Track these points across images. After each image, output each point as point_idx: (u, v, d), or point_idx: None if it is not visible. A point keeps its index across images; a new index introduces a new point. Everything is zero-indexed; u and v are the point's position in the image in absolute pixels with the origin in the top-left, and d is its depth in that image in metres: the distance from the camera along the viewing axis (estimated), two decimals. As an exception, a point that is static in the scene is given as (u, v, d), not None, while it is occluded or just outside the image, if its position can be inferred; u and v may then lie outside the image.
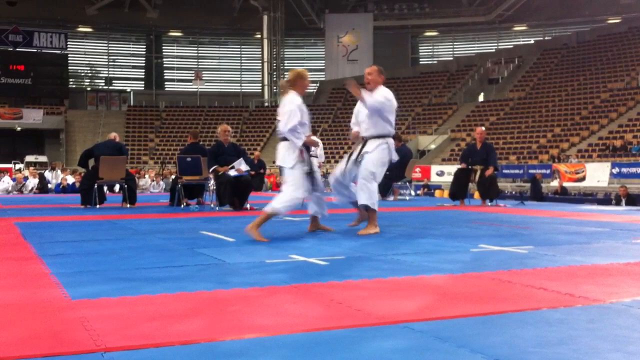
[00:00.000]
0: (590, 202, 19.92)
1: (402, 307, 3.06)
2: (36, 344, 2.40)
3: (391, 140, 6.68)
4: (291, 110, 6.17)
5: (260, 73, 52.59)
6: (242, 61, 55.66)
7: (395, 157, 6.77)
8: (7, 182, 21.16)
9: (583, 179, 27.60)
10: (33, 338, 2.49)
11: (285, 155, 6.26)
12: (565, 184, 25.99)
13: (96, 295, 3.29)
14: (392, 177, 14.22)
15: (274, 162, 35.55)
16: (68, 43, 49.09)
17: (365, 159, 6.54)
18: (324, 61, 54.28)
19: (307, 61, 55.70)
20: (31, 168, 28.46)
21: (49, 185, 21.98)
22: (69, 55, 50.18)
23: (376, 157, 6.54)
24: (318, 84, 53.57)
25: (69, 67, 50.64)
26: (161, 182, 22.11)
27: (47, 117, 46.81)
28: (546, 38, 49.88)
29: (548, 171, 28.96)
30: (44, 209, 11.39)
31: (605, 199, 21.49)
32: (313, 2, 51.87)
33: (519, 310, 2.99)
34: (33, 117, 46.05)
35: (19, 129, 46.06)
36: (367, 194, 6.45)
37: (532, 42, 50.21)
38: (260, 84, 52.72)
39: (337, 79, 51.47)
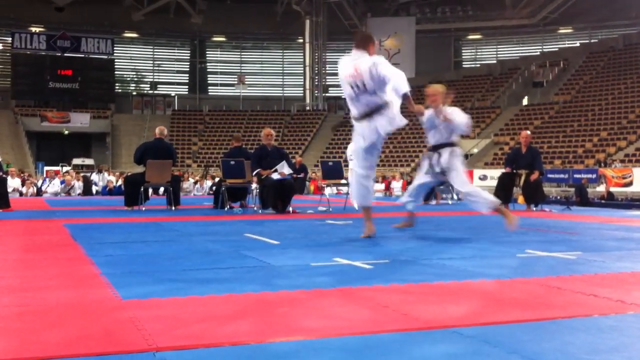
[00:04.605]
0: (638, 207, 19.46)
1: (450, 312, 3.04)
2: (89, 344, 2.44)
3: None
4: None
5: (302, 77, 52.80)
6: (285, 65, 55.95)
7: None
8: (57, 185, 21.63)
9: (630, 184, 27.00)
10: (86, 337, 2.53)
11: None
12: (612, 189, 25.45)
13: (146, 296, 3.34)
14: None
15: (315, 166, 35.14)
16: (114, 48, 50.02)
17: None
18: (366, 65, 54.12)
19: (349, 65, 55.63)
20: (72, 171, 28.96)
21: (96, 188, 22.41)
22: (116, 60, 51.14)
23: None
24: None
25: (116, 72, 51.61)
26: (205, 185, 22.39)
27: (94, 120, 47.83)
28: (592, 41, 48.96)
29: (594, 176, 28.38)
30: (91, 210, 11.62)
31: (654, 205, 20.95)
32: (355, 7, 51.80)
33: (570, 316, 2.94)
34: (80, 120, 47.09)
35: (66, 132, 47.10)
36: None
37: (578, 44, 49.36)
38: (302, 88, 52.91)
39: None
